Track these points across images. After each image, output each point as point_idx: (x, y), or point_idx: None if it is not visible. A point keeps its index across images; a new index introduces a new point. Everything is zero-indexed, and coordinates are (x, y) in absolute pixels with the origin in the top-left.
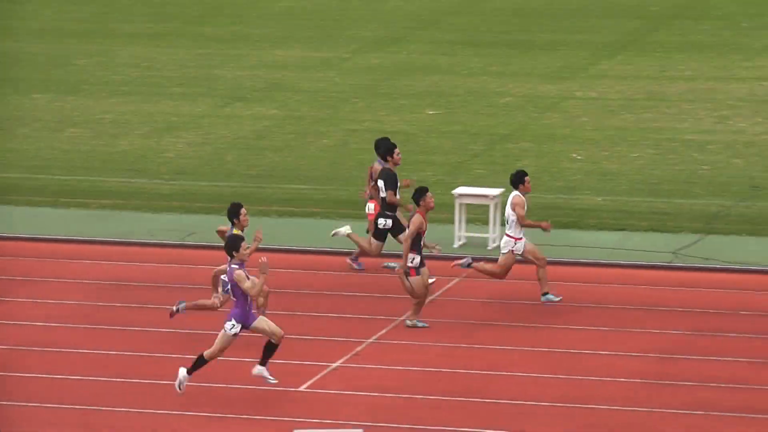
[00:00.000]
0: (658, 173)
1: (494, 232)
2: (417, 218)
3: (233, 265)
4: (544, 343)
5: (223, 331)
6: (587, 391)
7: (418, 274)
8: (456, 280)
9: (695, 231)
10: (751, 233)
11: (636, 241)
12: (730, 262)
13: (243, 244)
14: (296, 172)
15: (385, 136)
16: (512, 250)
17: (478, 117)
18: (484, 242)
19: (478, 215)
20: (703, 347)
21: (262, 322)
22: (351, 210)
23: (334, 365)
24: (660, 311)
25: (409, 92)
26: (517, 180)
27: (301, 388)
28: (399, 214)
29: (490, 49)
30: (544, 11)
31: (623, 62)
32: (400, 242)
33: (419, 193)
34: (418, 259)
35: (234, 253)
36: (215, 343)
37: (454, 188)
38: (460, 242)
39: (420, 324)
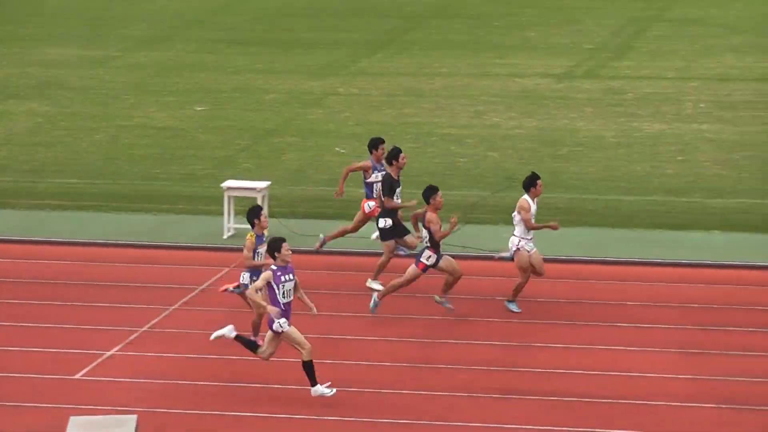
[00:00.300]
0: (418, 166)
1: None
2: (433, 216)
3: (272, 267)
4: (312, 329)
5: (280, 332)
6: (356, 375)
7: (425, 269)
8: (225, 270)
9: None
10: (506, 222)
11: None
12: (486, 250)
13: (284, 245)
14: (69, 166)
15: (379, 137)
16: (519, 248)
17: (245, 113)
18: None
19: (246, 207)
20: (462, 332)
21: (294, 331)
22: (123, 203)
23: (109, 353)
24: (421, 297)
25: (177, 89)
26: (529, 183)
27: (77, 376)
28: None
29: (256, 48)
30: (306, 11)
31: (383, 60)
32: (404, 244)
33: (430, 192)
34: (434, 258)
35: (276, 254)
36: (294, 342)
37: (222, 181)
38: (229, 233)
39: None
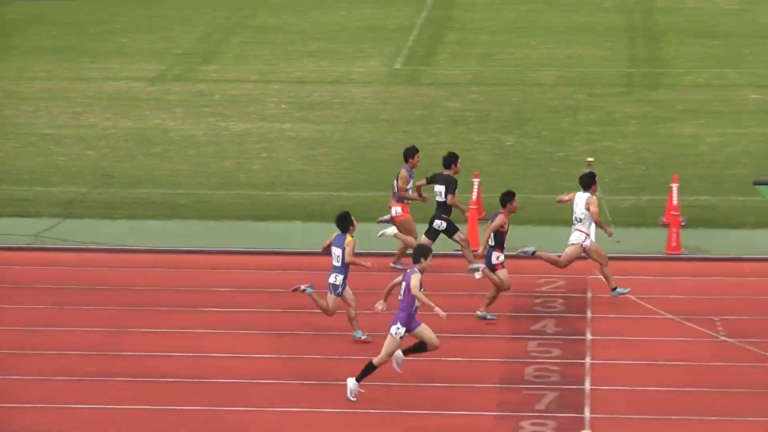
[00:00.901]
0: (19, 164)
1: None
2: (500, 217)
3: (415, 270)
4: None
5: (389, 335)
6: None
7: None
8: None
9: (54, 216)
10: (104, 216)
11: None
12: (87, 243)
13: (431, 254)
14: None
15: (414, 146)
16: (581, 244)
17: None
18: None
19: None
20: (63, 319)
21: (424, 329)
22: None
23: None
24: (24, 288)
25: None
26: (591, 182)
27: None
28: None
29: None
30: None
31: None
32: (456, 242)
33: (507, 197)
34: (503, 256)
35: (422, 260)
36: (383, 348)
37: None
38: None
39: (490, 316)
